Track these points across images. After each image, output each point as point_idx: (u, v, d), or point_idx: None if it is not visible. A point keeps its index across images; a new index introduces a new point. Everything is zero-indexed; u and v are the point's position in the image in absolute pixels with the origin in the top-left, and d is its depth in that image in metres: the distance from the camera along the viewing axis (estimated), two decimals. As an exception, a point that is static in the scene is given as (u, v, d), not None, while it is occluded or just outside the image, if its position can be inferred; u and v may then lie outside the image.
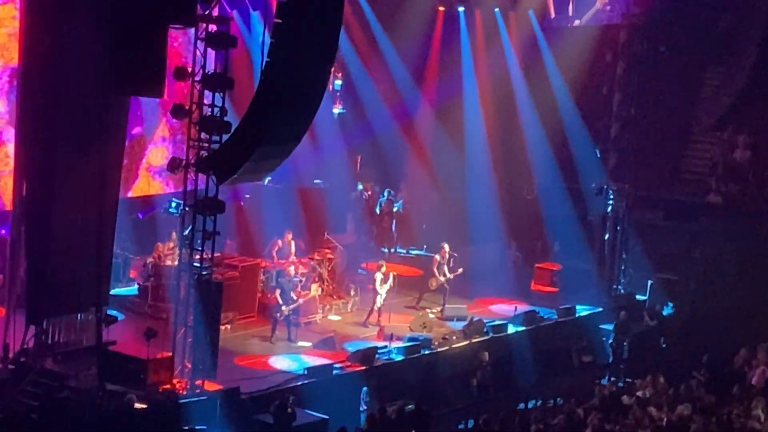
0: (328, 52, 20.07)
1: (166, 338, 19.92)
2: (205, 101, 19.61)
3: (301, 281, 24.13)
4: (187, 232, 20.07)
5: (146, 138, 26.42)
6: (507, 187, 30.92)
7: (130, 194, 25.79)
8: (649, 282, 28.46)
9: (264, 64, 19.13)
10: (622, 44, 29.19)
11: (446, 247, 25.93)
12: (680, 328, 27.19)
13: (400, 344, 23.01)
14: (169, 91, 21.48)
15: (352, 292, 25.88)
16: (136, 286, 24.33)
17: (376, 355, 22.27)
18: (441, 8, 30.85)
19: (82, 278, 19.87)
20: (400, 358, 22.59)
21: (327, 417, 19.96)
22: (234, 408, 19.37)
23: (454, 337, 23.95)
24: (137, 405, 18.45)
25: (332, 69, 23.70)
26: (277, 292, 23.46)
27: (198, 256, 19.93)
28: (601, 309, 27.38)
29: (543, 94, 30.55)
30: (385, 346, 22.80)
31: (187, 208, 20.04)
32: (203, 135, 19.66)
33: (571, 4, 30.61)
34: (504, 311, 26.37)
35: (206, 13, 19.58)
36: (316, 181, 28.97)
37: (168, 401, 19.04)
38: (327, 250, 26.20)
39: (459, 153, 30.85)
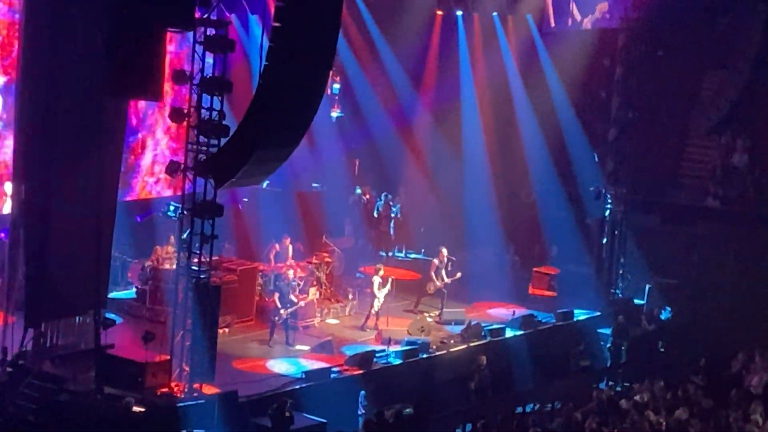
0: (327, 56, 20.04)
1: (164, 341, 19.90)
2: (204, 105, 19.62)
3: (299, 285, 24.09)
4: (185, 235, 20.04)
5: (145, 141, 26.43)
6: (505, 191, 30.92)
7: (128, 197, 25.79)
8: (647, 286, 28.43)
9: (262, 67, 19.11)
10: (620, 48, 29.15)
11: (444, 251, 25.91)
12: (678, 332, 27.14)
13: (398, 348, 22.98)
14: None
15: (350, 296, 25.86)
16: (135, 290, 24.31)
17: (374, 359, 22.24)
18: (439, 12, 30.82)
19: (81, 281, 19.86)
20: (398, 361, 22.54)
21: (325, 421, 19.94)
22: (232, 411, 19.34)
23: (452, 341, 23.95)
24: (135, 408, 18.45)
25: (330, 73, 23.68)
26: (276, 295, 23.45)
27: (196, 260, 19.89)
28: (599, 313, 27.33)
29: (541, 98, 30.58)
30: (383, 350, 22.80)
31: (185, 212, 20.00)
32: (202, 138, 19.63)
33: (575, 8, 30.55)
34: (502, 315, 26.33)
35: (205, 16, 19.57)
36: (314, 184, 28.98)
37: (166, 404, 19.03)
38: (325, 254, 26.21)
39: (457, 157, 30.87)
